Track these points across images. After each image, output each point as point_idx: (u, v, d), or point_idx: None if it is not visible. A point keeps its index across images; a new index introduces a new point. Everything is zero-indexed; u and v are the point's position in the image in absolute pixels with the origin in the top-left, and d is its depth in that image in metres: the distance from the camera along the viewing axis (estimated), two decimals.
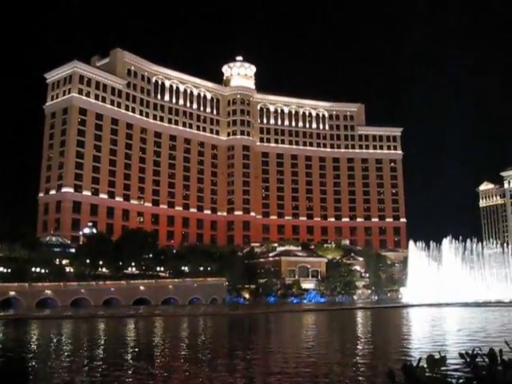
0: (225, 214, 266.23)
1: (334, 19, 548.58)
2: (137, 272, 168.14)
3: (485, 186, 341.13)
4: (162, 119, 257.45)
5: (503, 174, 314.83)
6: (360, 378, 29.34)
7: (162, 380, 30.25)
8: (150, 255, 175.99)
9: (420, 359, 3.53)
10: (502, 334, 48.99)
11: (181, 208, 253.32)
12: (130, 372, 32.39)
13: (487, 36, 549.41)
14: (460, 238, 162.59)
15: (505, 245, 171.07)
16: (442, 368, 3.58)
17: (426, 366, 3.54)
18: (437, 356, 3.62)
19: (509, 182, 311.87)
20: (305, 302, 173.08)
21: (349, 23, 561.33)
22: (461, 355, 3.73)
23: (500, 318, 79.48)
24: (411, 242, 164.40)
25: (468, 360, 3.67)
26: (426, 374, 3.50)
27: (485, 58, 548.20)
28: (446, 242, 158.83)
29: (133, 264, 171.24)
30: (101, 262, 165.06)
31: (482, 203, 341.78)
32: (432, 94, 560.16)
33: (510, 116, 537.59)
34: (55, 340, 57.16)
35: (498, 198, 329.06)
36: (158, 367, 34.80)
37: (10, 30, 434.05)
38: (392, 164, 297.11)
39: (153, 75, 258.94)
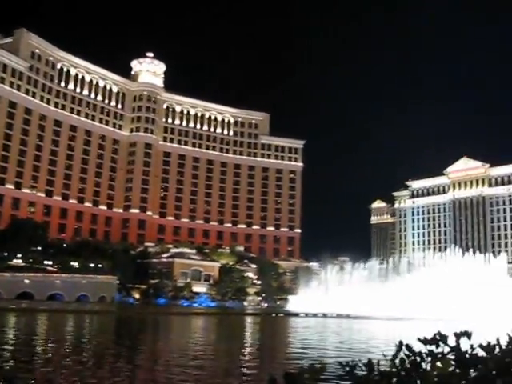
0: (121, 210, 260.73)
1: (249, 29, 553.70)
2: (23, 264, 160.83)
3: (377, 204, 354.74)
4: (63, 107, 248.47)
5: (395, 194, 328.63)
6: None
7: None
8: (39, 248, 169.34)
9: (302, 367, 3.83)
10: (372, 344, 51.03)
11: (75, 201, 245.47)
12: None
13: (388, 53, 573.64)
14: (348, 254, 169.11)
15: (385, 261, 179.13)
16: (322, 377, 3.90)
17: (306, 374, 3.86)
18: (318, 365, 3.92)
19: (399, 202, 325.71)
20: (195, 305, 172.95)
21: (265, 34, 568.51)
22: (340, 364, 4.08)
23: (370, 330, 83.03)
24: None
25: (347, 370, 4.07)
26: (307, 382, 3.83)
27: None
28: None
29: (19, 256, 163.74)
30: None
31: (374, 220, 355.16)
32: (336, 109, 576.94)
33: (403, 139, 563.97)
34: None
35: (389, 216, 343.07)
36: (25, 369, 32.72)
37: None
38: (292, 175, 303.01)
39: (58, 61, 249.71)
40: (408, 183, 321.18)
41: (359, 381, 3.94)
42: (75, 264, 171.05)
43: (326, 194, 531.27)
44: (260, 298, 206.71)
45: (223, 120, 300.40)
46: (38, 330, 72.07)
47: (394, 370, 4.04)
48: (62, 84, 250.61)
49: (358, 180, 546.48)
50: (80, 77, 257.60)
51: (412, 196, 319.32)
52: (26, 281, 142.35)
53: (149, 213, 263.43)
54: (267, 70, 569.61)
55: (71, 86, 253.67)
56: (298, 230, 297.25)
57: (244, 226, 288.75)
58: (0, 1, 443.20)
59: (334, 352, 45.53)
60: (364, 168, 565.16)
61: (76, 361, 37.14)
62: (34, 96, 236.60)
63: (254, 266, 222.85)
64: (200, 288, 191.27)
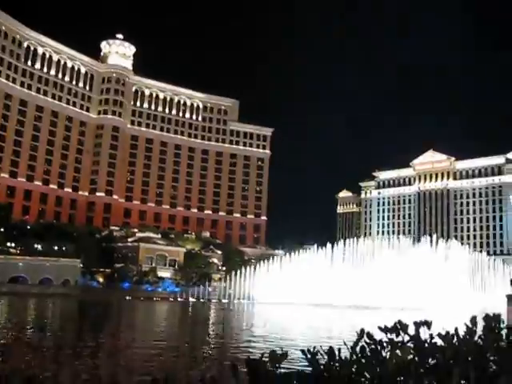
0: (86, 193, 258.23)
1: (223, 14, 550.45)
2: None
3: (343, 194, 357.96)
4: (29, 87, 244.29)
5: (362, 184, 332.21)
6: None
7: None
8: (1, 229, 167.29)
9: (263, 354, 3.94)
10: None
11: (40, 183, 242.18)
12: None
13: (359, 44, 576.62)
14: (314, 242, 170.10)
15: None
16: (283, 363, 4.02)
17: (268, 360, 3.97)
18: (279, 352, 4.04)
19: (365, 193, 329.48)
20: (159, 290, 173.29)
21: (239, 21, 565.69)
22: (302, 352, 4.19)
23: (332, 318, 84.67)
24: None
25: (309, 357, 4.18)
26: (269, 369, 3.94)
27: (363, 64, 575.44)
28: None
29: None
30: None
31: (340, 209, 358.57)
32: (306, 98, 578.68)
33: (377, 131, 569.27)
34: None
35: (355, 206, 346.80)
36: None
37: None
38: (259, 162, 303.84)
39: (25, 39, 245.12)
40: (375, 174, 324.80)
41: (320, 368, 4.12)
42: (39, 247, 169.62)
43: (293, 182, 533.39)
44: (224, 285, 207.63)
45: (192, 105, 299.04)
46: (23, 313, 71.73)
47: (354, 357, 4.28)
48: (29, 63, 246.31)
49: (325, 169, 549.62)
50: (47, 56, 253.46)
51: (378, 187, 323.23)
52: None
53: (115, 196, 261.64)
54: (238, 55, 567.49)
55: (38, 65, 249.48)
56: (265, 218, 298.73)
57: (210, 212, 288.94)
58: None
59: (297, 340, 46.53)
60: (331, 157, 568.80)
61: (28, 345, 37.33)
62: None
63: (219, 252, 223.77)
64: (165, 273, 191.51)
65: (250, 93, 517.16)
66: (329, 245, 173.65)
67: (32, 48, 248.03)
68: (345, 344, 4.46)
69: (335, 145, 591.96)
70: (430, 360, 4.25)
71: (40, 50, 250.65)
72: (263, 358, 3.83)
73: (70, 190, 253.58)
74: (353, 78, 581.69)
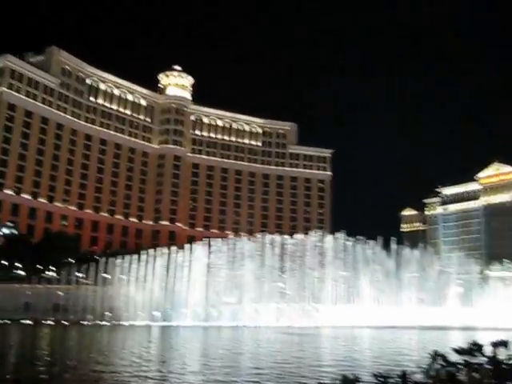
0: (151, 222, 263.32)
1: (272, 38, 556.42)
2: (57, 276, 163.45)
3: (407, 212, 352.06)
4: (93, 122, 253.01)
5: (425, 201, 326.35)
6: None
7: None
8: (71, 260, 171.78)
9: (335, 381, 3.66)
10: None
11: (106, 214, 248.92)
12: None
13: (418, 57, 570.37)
14: None
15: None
16: None
17: None
18: (350, 376, 3.77)
19: (430, 209, 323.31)
20: None
21: (287, 43, 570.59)
22: (375, 376, 3.88)
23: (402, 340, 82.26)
24: None
25: (382, 380, 3.83)
26: None
27: (413, 79, 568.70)
28: None
29: (53, 268, 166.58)
30: (18, 264, 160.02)
31: (404, 228, 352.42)
32: (365, 119, 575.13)
33: (433, 146, 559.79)
34: None
35: (420, 223, 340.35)
36: None
37: None
38: (320, 184, 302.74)
39: (88, 76, 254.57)
40: (438, 190, 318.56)
41: None
42: (108, 276, 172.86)
43: (355, 202, 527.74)
44: None
45: (251, 130, 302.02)
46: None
47: (428, 381, 3.85)
48: (92, 99, 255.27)
49: (385, 188, 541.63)
50: (109, 91, 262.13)
51: (443, 203, 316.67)
52: (60, 292, 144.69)
53: (178, 224, 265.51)
54: (294, 80, 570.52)
55: (100, 100, 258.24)
56: None
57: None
58: (31, 21, 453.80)
59: (365, 362, 45.49)
60: (392, 175, 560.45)
61: None
62: (65, 111, 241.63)
63: None
64: None
65: (307, 115, 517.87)
66: None
67: (94, 84, 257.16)
68: (418, 367, 4.14)
69: (394, 163, 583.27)
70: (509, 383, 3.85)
71: (101, 86, 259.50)
72: None
73: (135, 220, 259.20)
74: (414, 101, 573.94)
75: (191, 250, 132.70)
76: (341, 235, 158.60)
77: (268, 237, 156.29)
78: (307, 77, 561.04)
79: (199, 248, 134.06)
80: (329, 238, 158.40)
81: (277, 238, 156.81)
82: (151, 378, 31.72)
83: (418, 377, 3.79)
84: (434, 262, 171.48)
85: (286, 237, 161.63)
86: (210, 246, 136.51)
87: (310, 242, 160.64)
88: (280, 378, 33.59)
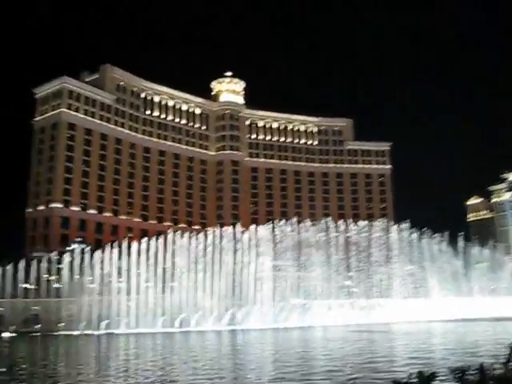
0: (214, 229, 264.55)
1: (321, 35, 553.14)
2: None
3: (473, 201, 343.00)
4: (151, 134, 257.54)
5: (491, 188, 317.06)
6: None
7: None
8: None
9: (410, 375, 3.54)
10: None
11: (170, 223, 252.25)
12: None
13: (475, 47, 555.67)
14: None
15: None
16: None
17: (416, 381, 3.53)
18: (427, 372, 3.64)
19: (496, 197, 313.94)
20: None
21: (336, 38, 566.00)
22: (450, 370, 3.75)
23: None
24: None
25: (458, 374, 3.70)
26: None
27: (473, 67, 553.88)
28: None
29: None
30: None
31: (470, 217, 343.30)
32: (420, 109, 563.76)
33: (498, 132, 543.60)
34: None
35: (486, 211, 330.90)
36: None
37: None
38: (381, 179, 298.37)
39: (142, 90, 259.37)
40: (504, 176, 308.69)
41: None
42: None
43: (418, 194, 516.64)
44: None
45: (306, 130, 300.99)
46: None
47: (508, 373, 3.72)
48: (148, 112, 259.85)
49: (447, 178, 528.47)
50: (164, 103, 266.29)
51: (510, 189, 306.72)
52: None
53: (242, 229, 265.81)
54: (345, 75, 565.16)
55: (156, 112, 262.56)
56: None
57: (337, 235, 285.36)
58: (83, 44, 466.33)
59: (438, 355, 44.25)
60: (453, 165, 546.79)
61: None
62: (122, 126, 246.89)
63: None
64: None
65: (363, 110, 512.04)
66: None
67: (149, 97, 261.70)
68: (495, 360, 4.04)
69: (455, 152, 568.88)
70: None
71: (156, 98, 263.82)
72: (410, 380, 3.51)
73: (198, 227, 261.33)
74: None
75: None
76: (405, 226, 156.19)
77: (333, 232, 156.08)
78: (360, 70, 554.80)
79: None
80: (394, 230, 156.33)
81: (342, 230, 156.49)
82: None
83: (497, 369, 3.71)
84: (504, 252, 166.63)
85: (352, 228, 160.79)
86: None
87: (376, 236, 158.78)
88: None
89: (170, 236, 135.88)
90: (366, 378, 34.84)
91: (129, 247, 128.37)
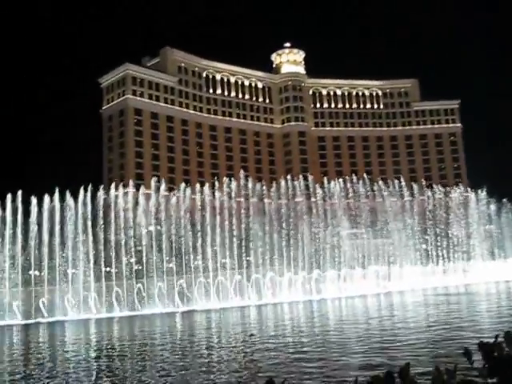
0: (286, 201, 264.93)
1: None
2: None
3: None
4: (215, 112, 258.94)
5: None
6: None
7: None
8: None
9: (497, 336, 3.45)
10: None
11: (242, 199, 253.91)
12: None
13: None
14: None
15: None
16: None
17: (504, 343, 3.45)
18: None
19: None
20: None
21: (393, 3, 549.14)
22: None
23: None
24: None
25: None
26: (505, 352, 3.38)
27: None
28: None
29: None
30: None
31: None
32: (483, 63, 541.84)
33: None
34: None
35: None
36: None
37: (61, 40, 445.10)
38: (452, 138, 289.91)
39: (203, 70, 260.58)
40: None
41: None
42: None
43: (492, 153, 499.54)
44: None
45: (371, 94, 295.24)
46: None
47: None
48: (211, 90, 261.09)
49: None
50: (225, 80, 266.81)
51: None
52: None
53: (313, 199, 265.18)
54: (405, 34, 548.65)
55: (219, 90, 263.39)
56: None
57: (410, 199, 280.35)
58: (141, 27, 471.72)
59: None
60: None
61: None
62: (187, 107, 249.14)
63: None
64: None
65: (427, 69, 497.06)
66: None
67: (210, 76, 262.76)
68: None
69: None
70: None
71: (218, 76, 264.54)
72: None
73: (269, 201, 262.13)
74: None
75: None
76: (483, 194, 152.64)
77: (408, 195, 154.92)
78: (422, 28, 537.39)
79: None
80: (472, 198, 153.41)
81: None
82: None
83: None
84: None
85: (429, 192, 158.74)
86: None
87: (454, 202, 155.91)
88: None
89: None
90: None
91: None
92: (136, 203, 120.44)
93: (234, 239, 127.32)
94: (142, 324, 72.79)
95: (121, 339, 56.46)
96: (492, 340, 3.26)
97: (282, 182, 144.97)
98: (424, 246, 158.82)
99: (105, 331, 68.74)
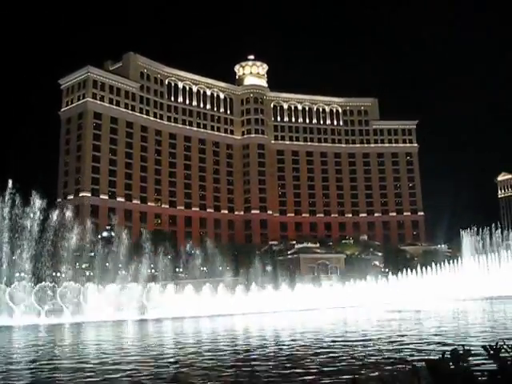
0: (242, 213, 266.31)
1: (341, 16, 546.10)
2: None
3: (503, 177, 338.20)
4: (176, 121, 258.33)
5: None
6: None
7: None
8: (169, 257, 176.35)
9: (444, 353, 3.45)
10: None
11: (198, 208, 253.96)
12: None
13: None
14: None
15: None
16: (466, 362, 3.51)
17: (449, 359, 3.48)
18: (461, 350, 3.56)
19: None
20: None
21: (357, 19, 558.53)
22: (484, 348, 3.65)
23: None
24: None
25: (492, 353, 3.60)
26: (450, 368, 3.41)
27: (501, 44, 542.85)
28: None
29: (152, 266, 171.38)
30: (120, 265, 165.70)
31: (501, 194, 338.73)
32: (444, 87, 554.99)
33: None
34: None
35: None
36: None
37: (22, 38, 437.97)
38: (408, 157, 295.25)
39: (165, 77, 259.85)
40: None
41: (505, 365, 3.52)
42: (204, 269, 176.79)
43: (445, 172, 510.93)
44: None
45: (331, 111, 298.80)
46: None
47: None
48: (172, 98, 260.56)
49: (472, 155, 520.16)
50: (187, 89, 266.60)
51: None
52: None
53: (269, 212, 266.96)
54: (368, 53, 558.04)
55: (180, 99, 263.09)
56: (422, 213, 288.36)
57: (365, 215, 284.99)
58: (105, 31, 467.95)
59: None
60: (477, 143, 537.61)
61: None
62: (148, 114, 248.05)
63: (379, 253, 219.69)
64: (328, 281, 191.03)
65: (387, 89, 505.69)
66: None
67: (173, 84, 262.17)
68: None
69: (477, 132, 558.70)
70: None
71: (180, 85, 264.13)
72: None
73: (226, 212, 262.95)
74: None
75: None
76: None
77: None
78: (383, 48, 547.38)
79: None
80: None
81: None
82: None
83: None
84: None
85: None
86: None
87: None
88: None
89: None
90: None
91: None
92: None
93: None
94: None
95: None
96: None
97: None
98: None
99: None
